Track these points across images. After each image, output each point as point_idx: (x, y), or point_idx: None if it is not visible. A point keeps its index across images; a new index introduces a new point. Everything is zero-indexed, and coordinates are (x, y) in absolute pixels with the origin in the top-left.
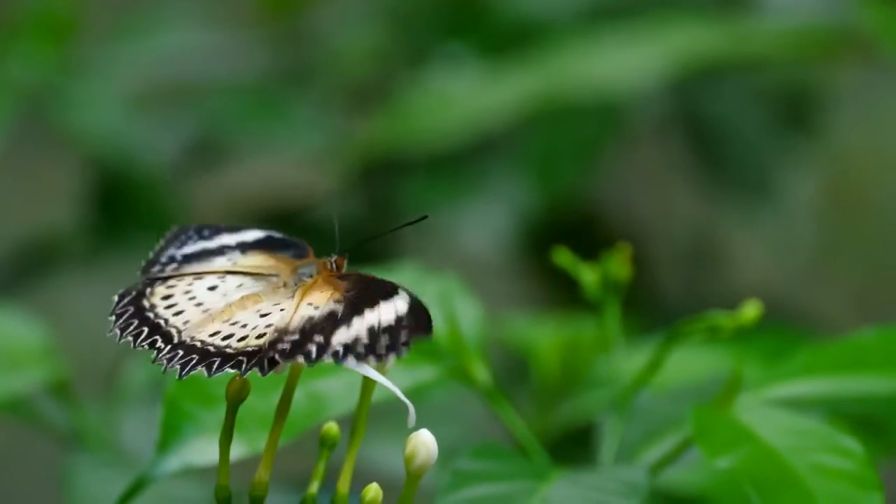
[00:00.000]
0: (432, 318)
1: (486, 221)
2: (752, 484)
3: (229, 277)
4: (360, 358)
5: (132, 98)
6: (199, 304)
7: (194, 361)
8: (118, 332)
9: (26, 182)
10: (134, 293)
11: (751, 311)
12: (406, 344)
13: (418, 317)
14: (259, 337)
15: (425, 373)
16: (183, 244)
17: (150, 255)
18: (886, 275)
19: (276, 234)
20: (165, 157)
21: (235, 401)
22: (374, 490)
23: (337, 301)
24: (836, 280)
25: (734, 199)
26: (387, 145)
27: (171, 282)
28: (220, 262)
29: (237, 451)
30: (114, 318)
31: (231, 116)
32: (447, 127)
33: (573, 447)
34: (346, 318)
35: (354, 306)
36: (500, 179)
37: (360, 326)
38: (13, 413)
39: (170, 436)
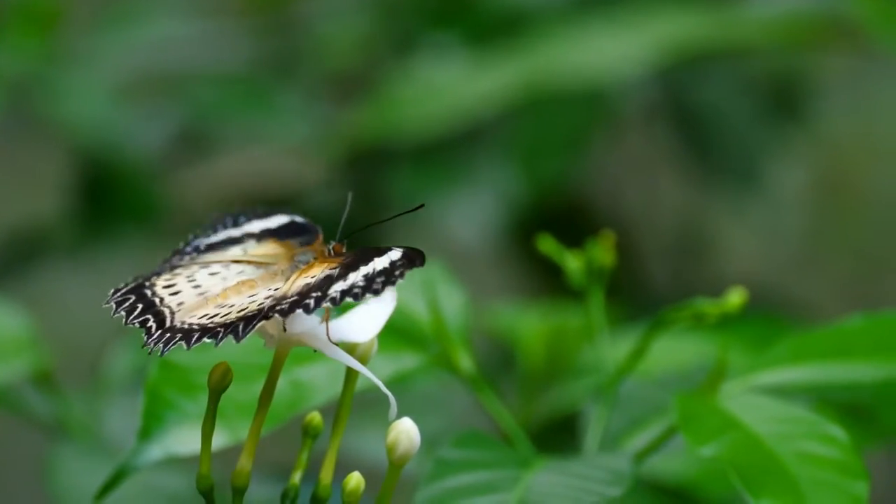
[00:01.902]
0: (425, 257)
1: (473, 210)
2: (737, 471)
3: (233, 265)
4: (357, 297)
5: (118, 88)
6: (196, 287)
7: (177, 338)
8: (113, 305)
9: (12, 173)
10: (136, 283)
11: (735, 298)
12: (400, 275)
13: (411, 255)
14: (241, 310)
15: (408, 361)
16: (215, 232)
17: (182, 244)
18: (874, 263)
19: (299, 220)
20: (152, 147)
21: (217, 389)
22: (354, 480)
23: (332, 268)
24: (824, 268)
25: (722, 188)
26: (373, 134)
27: (177, 270)
28: (234, 252)
29: (219, 440)
30: (113, 304)
31: (218, 106)
32: (434, 116)
33: (558, 435)
34: (342, 275)
35: (350, 266)
36: (487, 168)
37: (355, 277)
38: None
39: (151, 425)
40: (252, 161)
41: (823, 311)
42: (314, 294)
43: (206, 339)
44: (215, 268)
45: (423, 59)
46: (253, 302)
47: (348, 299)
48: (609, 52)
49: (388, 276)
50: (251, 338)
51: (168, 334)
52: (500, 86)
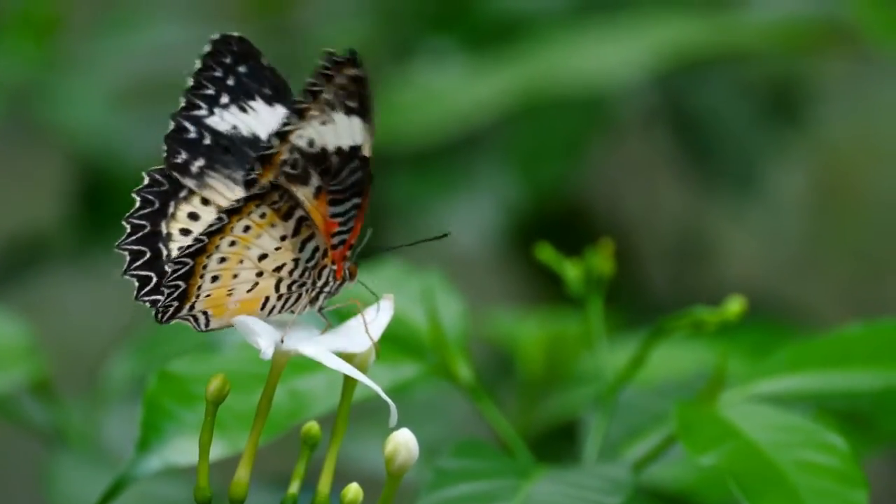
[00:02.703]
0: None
1: (472, 216)
2: (736, 481)
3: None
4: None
5: (117, 94)
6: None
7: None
8: (127, 258)
9: (11, 179)
10: (156, 205)
11: (735, 306)
12: None
13: None
14: None
15: (407, 370)
16: (218, 94)
17: (182, 98)
18: (875, 266)
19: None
20: (151, 153)
21: (216, 399)
22: (353, 490)
23: None
24: (824, 272)
25: (721, 193)
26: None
27: (195, 202)
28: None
29: (217, 450)
30: (127, 227)
31: None
32: (433, 121)
33: (557, 443)
34: None
35: None
36: (487, 174)
37: None
38: None
39: (150, 435)
40: None
41: (824, 315)
42: None
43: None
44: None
45: (422, 65)
46: None
47: None
48: (608, 58)
49: None
50: (249, 349)
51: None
52: (498, 91)
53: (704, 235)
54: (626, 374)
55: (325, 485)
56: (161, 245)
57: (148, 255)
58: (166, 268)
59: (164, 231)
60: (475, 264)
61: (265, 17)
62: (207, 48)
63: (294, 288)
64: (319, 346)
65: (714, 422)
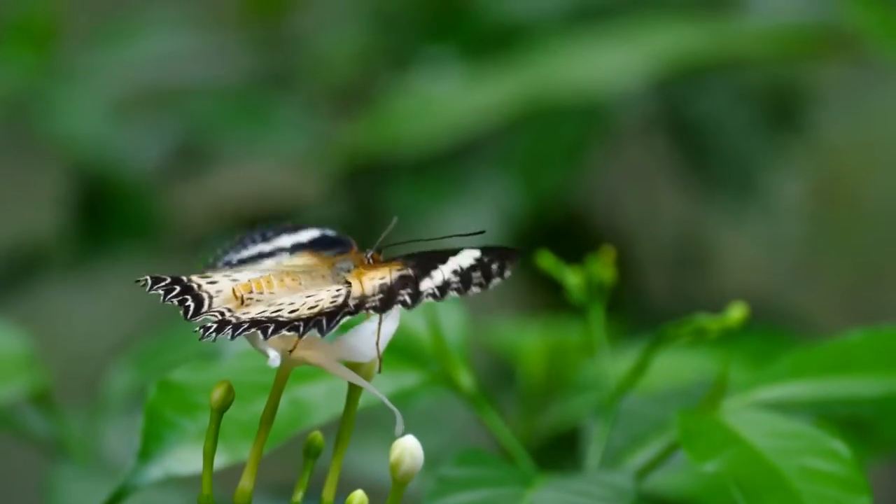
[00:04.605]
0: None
1: (471, 224)
2: (739, 487)
3: (271, 274)
4: (461, 291)
5: (115, 103)
6: (234, 280)
7: (245, 326)
8: (149, 280)
9: (9, 189)
10: (171, 275)
11: (736, 313)
12: (504, 267)
13: (500, 250)
14: (312, 308)
15: (408, 379)
16: (243, 248)
17: (210, 259)
18: (874, 271)
19: (329, 232)
20: (149, 162)
21: (220, 407)
22: (358, 497)
23: (400, 270)
24: (824, 277)
25: (721, 199)
26: (371, 148)
27: (210, 273)
28: (267, 264)
29: (219, 460)
30: (148, 279)
31: (215, 120)
32: (431, 129)
33: (559, 452)
34: (422, 275)
35: (424, 268)
36: (486, 182)
37: (441, 276)
38: None
39: (151, 444)
40: (250, 175)
41: (824, 321)
42: (405, 291)
43: (285, 332)
44: (251, 274)
45: (421, 73)
46: (315, 302)
47: (451, 293)
48: (606, 65)
49: (488, 271)
50: (250, 358)
51: (221, 323)
52: (497, 99)
53: (704, 242)
54: (627, 381)
55: (329, 493)
56: (182, 278)
57: (169, 280)
58: (192, 285)
59: (185, 278)
60: None
61: (262, 25)
62: (235, 240)
63: None
64: (326, 355)
65: (716, 429)
